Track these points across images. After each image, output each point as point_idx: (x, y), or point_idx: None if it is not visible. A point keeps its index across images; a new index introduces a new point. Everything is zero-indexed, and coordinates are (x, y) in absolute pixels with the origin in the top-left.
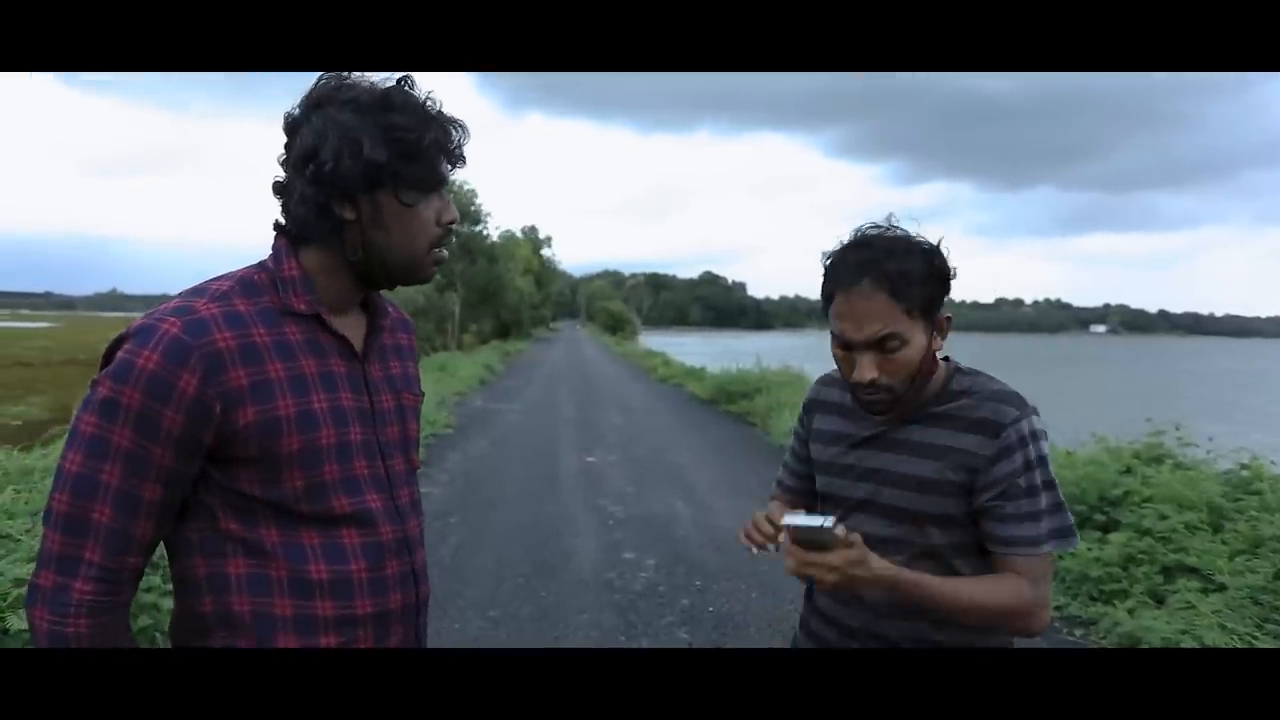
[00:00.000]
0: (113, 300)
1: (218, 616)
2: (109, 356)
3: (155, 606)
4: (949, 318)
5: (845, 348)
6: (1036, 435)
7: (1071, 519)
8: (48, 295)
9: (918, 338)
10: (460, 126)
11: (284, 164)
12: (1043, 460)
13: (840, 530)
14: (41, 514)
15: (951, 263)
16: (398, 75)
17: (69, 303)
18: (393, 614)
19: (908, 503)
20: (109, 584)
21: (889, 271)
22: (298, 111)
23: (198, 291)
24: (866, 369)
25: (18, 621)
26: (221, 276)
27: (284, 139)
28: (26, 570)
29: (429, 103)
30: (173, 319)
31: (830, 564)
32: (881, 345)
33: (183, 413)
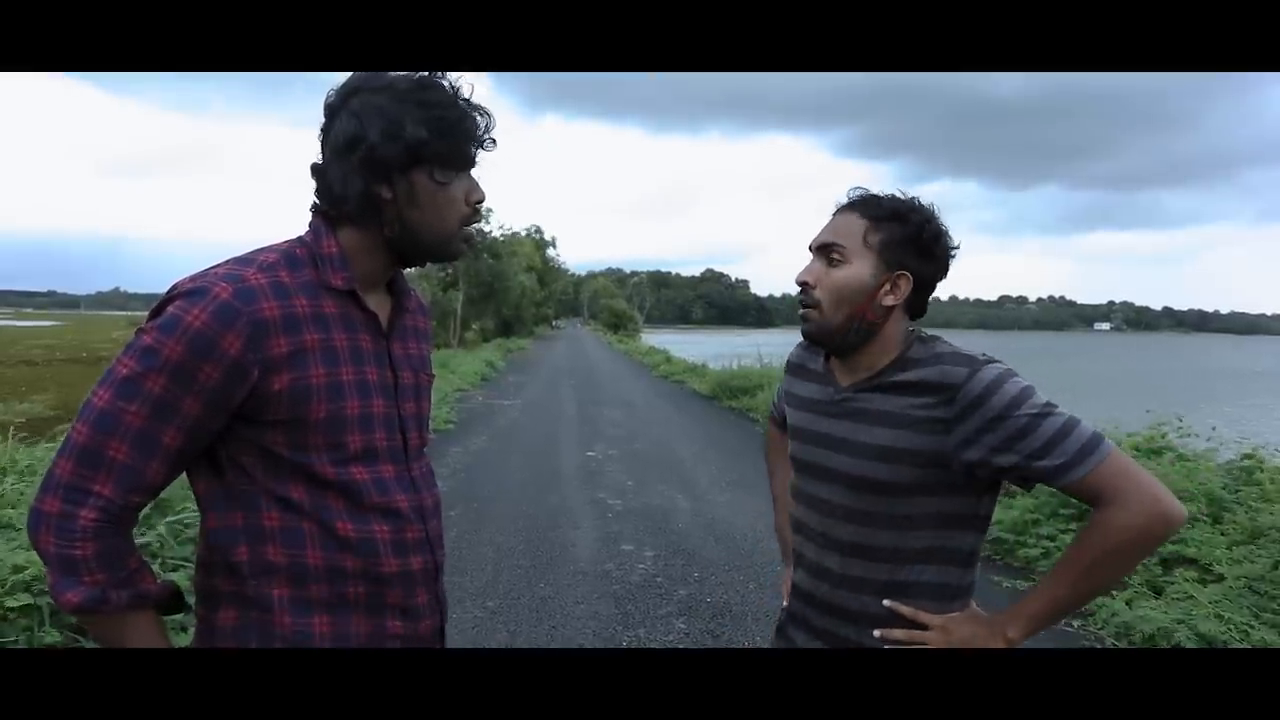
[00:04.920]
0: (117, 299)
1: (254, 565)
2: (158, 311)
3: None
4: (906, 276)
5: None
6: (1000, 380)
7: (1090, 430)
8: (51, 294)
9: (862, 266)
10: (487, 113)
11: (322, 148)
12: (1023, 396)
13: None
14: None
15: (951, 245)
16: (426, 71)
17: (73, 301)
18: (416, 575)
19: (864, 470)
20: (113, 515)
21: (869, 199)
22: (334, 98)
23: (246, 261)
24: (805, 271)
25: (17, 604)
26: (267, 248)
27: (322, 123)
28: (26, 558)
29: (458, 90)
30: (224, 284)
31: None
32: (827, 254)
33: (220, 371)
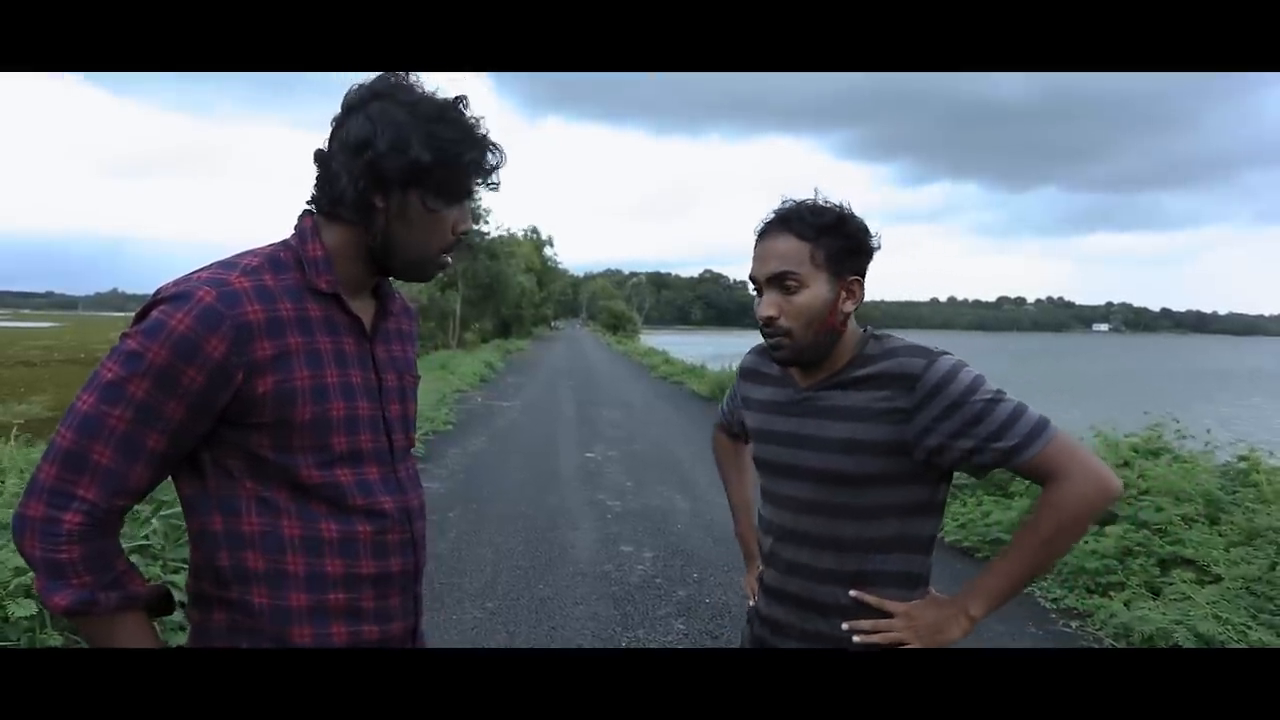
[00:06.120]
0: (115, 300)
1: (234, 570)
2: (143, 315)
3: None
4: (858, 281)
5: (755, 289)
6: (955, 370)
7: (1037, 414)
8: (49, 295)
9: (819, 287)
10: (499, 151)
11: (331, 138)
12: (976, 384)
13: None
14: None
15: (873, 233)
16: (455, 95)
17: (71, 302)
18: (393, 578)
19: (831, 464)
20: (97, 518)
21: (796, 217)
22: (356, 95)
23: (229, 265)
24: (767, 306)
25: (18, 609)
26: (250, 252)
27: (338, 114)
28: None
29: (476, 124)
30: (208, 288)
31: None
32: (782, 283)
33: (204, 375)
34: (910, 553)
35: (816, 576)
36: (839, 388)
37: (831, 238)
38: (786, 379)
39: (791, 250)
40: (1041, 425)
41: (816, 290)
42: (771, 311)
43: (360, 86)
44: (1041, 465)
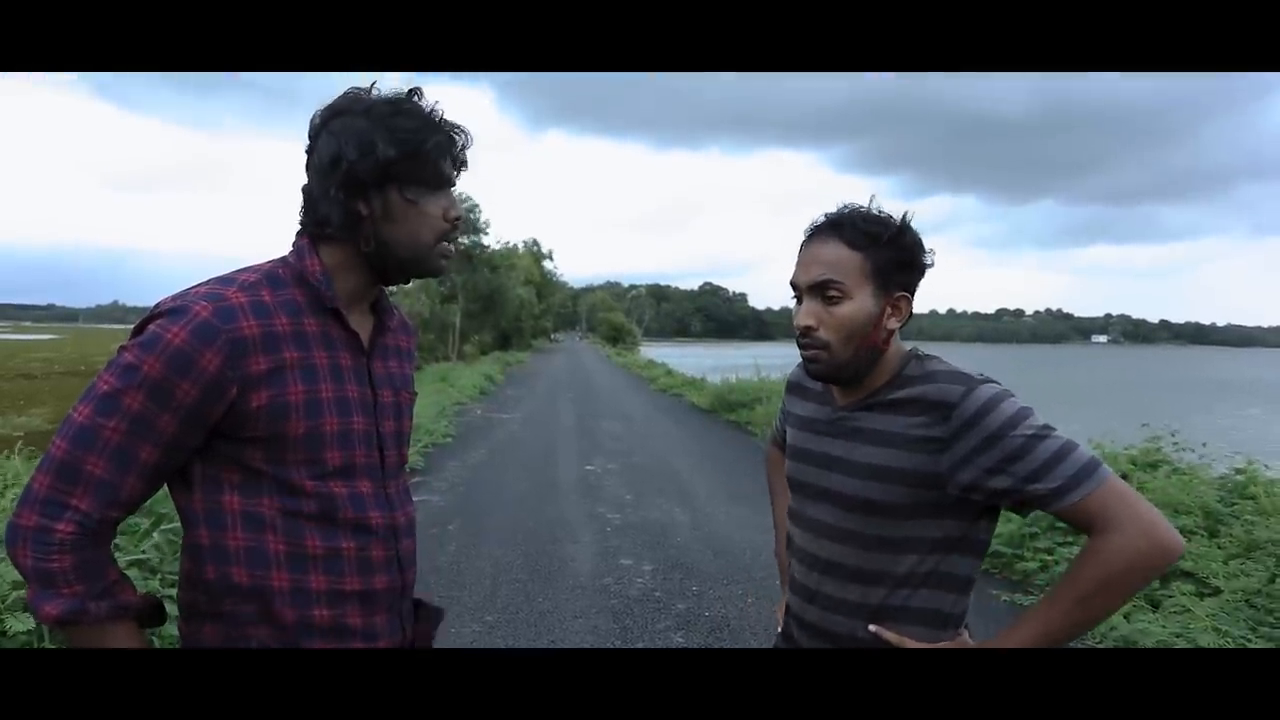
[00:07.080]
0: (115, 312)
1: (221, 585)
2: (140, 329)
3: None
4: (906, 298)
5: (795, 296)
6: (995, 400)
7: (1088, 453)
8: (50, 307)
9: (864, 299)
10: (463, 132)
11: (307, 169)
12: (1018, 417)
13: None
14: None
15: (928, 249)
16: (409, 87)
17: (72, 315)
18: (378, 594)
19: (858, 490)
20: (90, 528)
21: (849, 223)
22: (318, 120)
23: (227, 281)
24: (805, 315)
25: (17, 624)
26: (248, 268)
27: (306, 145)
28: None
29: (433, 111)
30: (204, 303)
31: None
32: (824, 292)
33: (198, 388)
34: (940, 590)
35: (835, 606)
36: (873, 409)
37: (883, 249)
38: (826, 396)
39: (839, 258)
40: (1090, 467)
41: (860, 303)
42: (810, 321)
43: (319, 111)
44: (1087, 512)
